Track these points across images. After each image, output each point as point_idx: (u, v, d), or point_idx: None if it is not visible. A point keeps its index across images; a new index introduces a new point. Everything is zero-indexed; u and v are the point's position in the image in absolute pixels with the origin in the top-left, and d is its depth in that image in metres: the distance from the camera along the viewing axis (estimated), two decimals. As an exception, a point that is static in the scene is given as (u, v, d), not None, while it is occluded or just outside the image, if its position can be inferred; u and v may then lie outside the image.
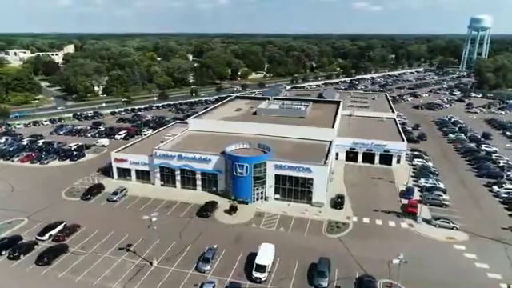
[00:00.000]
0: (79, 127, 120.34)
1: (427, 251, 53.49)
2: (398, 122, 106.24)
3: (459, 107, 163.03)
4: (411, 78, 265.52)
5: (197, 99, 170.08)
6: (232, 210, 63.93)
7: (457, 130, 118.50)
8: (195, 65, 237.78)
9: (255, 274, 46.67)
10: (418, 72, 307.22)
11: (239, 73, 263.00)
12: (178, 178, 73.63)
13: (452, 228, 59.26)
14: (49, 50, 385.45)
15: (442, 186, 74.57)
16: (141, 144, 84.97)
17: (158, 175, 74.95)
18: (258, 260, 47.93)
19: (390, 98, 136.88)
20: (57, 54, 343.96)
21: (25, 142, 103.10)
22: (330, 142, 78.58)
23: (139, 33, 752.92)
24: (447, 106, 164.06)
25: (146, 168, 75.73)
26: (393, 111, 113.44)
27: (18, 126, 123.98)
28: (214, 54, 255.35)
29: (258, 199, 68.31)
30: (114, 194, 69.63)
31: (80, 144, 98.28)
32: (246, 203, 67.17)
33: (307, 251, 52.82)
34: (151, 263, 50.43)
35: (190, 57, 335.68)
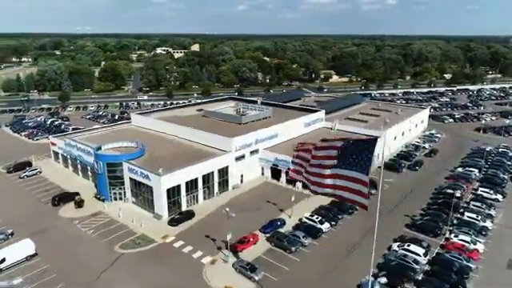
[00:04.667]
0: (103, 114, 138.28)
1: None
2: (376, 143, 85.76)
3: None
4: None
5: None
6: (76, 205, 65.24)
7: (482, 163, 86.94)
8: (271, 65, 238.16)
9: (-15, 265, 47.88)
10: None
11: (321, 75, 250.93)
12: (79, 166, 78.69)
13: (250, 278, 46.70)
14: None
15: (324, 227, 58.16)
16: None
17: (69, 162, 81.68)
18: (-3, 252, 48.82)
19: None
20: (181, 52, 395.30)
21: (48, 122, 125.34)
22: (226, 151, 70.90)
23: (298, 34, 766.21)
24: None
25: (65, 154, 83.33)
26: (383, 130, 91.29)
27: (69, 109, 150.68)
28: (287, 55, 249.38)
29: (117, 199, 67.52)
30: (25, 171, 79.56)
31: (74, 127, 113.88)
32: (103, 201, 67.31)
33: (70, 257, 50.86)
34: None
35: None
